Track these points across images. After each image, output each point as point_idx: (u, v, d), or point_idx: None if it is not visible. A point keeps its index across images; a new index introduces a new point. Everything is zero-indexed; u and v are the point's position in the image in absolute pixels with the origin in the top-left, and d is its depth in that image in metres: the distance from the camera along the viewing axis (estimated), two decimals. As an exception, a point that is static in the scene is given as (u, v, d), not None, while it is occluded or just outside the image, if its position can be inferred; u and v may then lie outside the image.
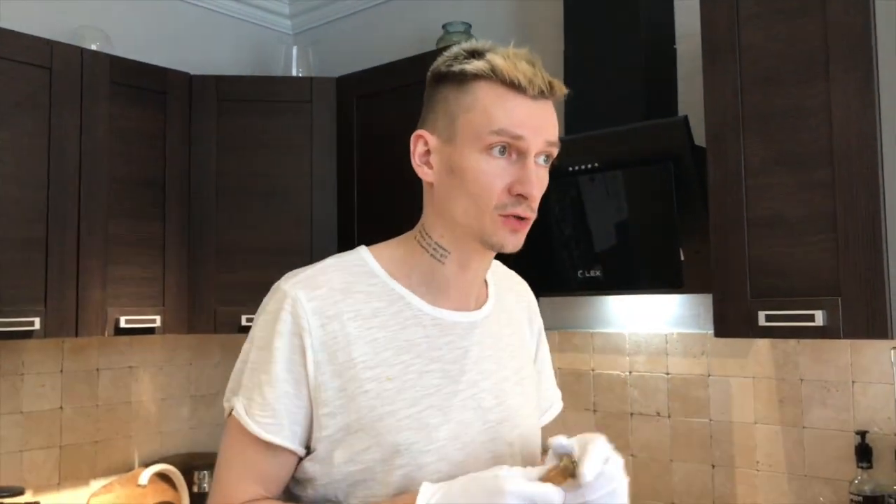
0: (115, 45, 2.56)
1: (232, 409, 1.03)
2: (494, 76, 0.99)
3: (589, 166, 1.99)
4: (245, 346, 1.05)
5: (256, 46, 3.18)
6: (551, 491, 0.88)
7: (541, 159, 1.02)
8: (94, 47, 2.45)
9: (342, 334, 1.00)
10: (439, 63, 1.05)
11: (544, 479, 0.91)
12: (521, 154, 1.00)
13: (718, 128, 1.77)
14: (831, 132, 1.62)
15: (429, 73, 1.07)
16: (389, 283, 1.06)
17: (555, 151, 1.04)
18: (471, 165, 1.00)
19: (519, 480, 0.89)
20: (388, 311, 1.04)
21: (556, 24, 2.28)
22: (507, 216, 1.00)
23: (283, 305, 1.01)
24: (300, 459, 1.03)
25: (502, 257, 1.22)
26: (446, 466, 1.00)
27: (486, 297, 1.15)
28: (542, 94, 1.00)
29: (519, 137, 0.99)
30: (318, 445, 1.01)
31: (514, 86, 0.99)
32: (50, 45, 2.23)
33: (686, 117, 1.84)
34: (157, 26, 2.86)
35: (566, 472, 0.92)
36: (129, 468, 2.70)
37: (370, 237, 1.16)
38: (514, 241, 1.03)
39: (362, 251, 1.10)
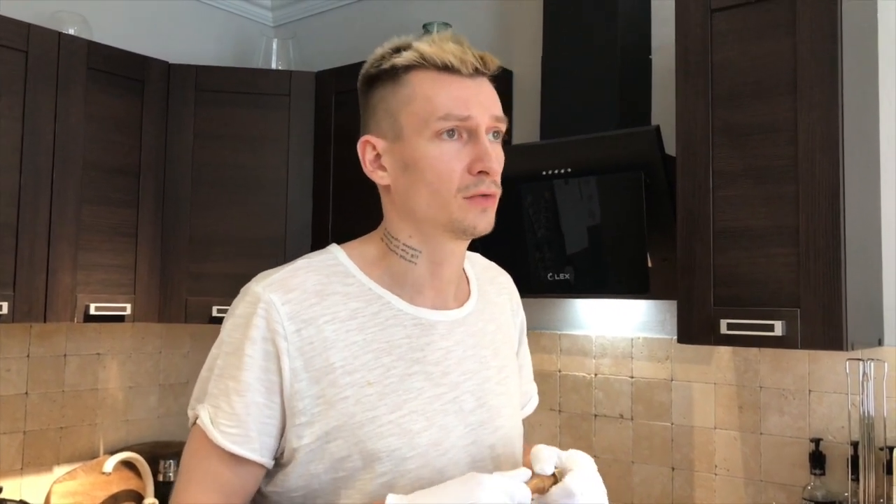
0: (94, 31, 2.54)
1: (197, 418, 0.98)
2: (426, 63, 0.99)
3: (562, 171, 2.03)
4: (212, 352, 1.00)
5: (236, 37, 3.17)
6: (525, 489, 0.90)
7: (491, 135, 1.01)
8: (71, 32, 2.44)
9: (319, 339, 0.96)
10: (367, 66, 1.05)
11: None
12: (472, 133, 0.99)
13: (689, 140, 1.81)
14: (797, 148, 1.67)
15: (359, 79, 1.06)
16: (367, 283, 1.02)
17: (503, 127, 1.02)
18: (424, 155, 0.98)
19: (497, 476, 0.90)
20: (366, 311, 1.00)
21: (536, 28, 2.31)
22: (472, 197, 0.98)
23: (256, 310, 0.96)
24: (270, 470, 0.99)
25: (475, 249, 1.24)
26: (427, 472, 0.98)
27: (469, 293, 1.12)
28: (477, 72, 1.00)
29: (466, 118, 0.98)
30: (295, 455, 0.96)
31: (447, 68, 0.99)
32: (27, 28, 2.21)
33: (657, 127, 1.88)
34: (137, 13, 2.85)
35: (543, 482, 0.93)
36: (94, 455, 2.69)
37: (345, 232, 1.15)
38: (486, 221, 1.00)
39: (335, 249, 1.06)
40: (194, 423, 0.99)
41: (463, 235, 1.01)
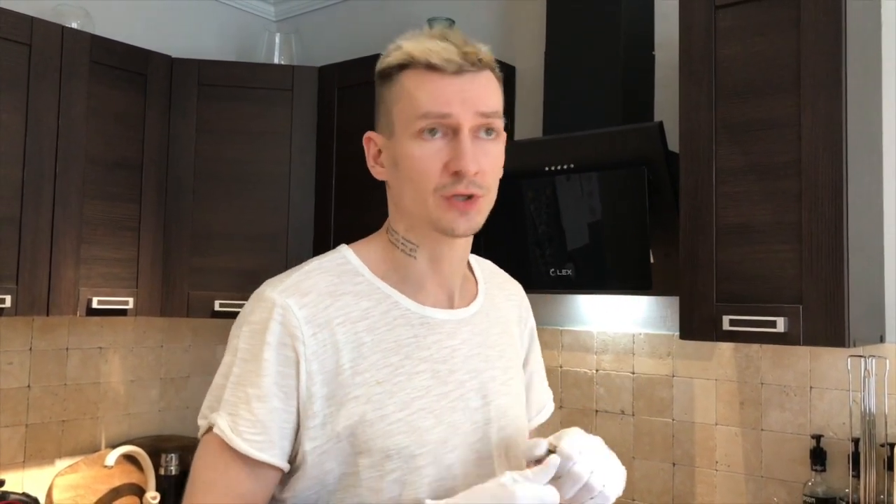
0: (97, 25, 2.54)
1: (210, 427, 0.97)
2: (413, 62, 1.00)
3: (564, 167, 2.03)
4: (226, 360, 1.00)
5: (239, 32, 3.17)
6: (553, 491, 0.92)
7: (482, 133, 1.00)
8: (75, 25, 2.43)
9: (331, 342, 0.97)
10: (377, 65, 1.06)
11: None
12: (455, 131, 0.98)
13: (692, 136, 1.81)
14: (800, 144, 1.67)
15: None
16: (375, 283, 1.04)
17: (496, 122, 1.01)
18: (407, 153, 0.99)
19: (527, 484, 0.91)
20: (376, 311, 1.01)
21: (540, 24, 2.31)
22: (449, 197, 0.98)
23: (273, 315, 0.96)
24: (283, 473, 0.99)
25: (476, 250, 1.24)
26: (435, 470, 0.99)
27: (475, 293, 1.14)
28: (462, 69, 0.99)
29: (446, 116, 0.97)
30: (307, 458, 0.97)
31: (431, 67, 0.98)
32: (30, 22, 2.21)
33: (661, 123, 1.88)
34: (139, 7, 2.84)
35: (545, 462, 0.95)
36: (96, 449, 2.69)
37: (347, 227, 1.17)
38: (466, 225, 1.00)
39: (344, 250, 1.07)
40: (206, 432, 0.98)
41: (444, 234, 1.01)
